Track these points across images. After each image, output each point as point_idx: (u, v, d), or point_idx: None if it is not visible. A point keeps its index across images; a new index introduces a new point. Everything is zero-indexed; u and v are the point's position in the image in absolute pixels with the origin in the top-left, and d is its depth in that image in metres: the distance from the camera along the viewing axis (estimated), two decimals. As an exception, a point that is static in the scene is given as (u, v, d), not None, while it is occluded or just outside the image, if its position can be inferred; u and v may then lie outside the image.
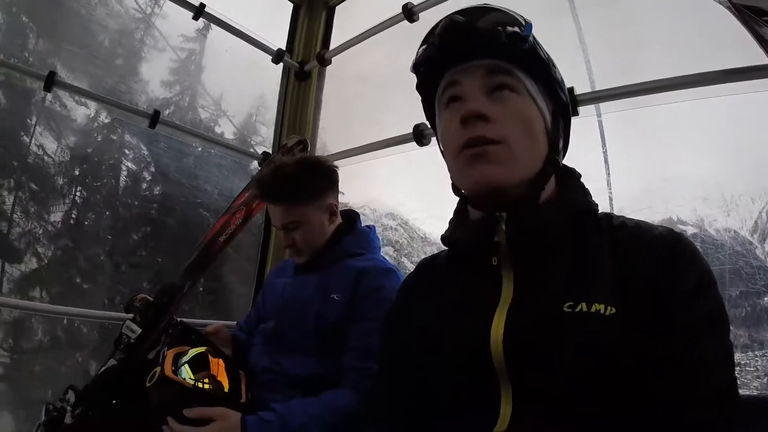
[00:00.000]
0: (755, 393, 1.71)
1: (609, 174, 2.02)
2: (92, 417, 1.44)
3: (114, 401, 1.50)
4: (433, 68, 0.94)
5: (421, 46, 0.95)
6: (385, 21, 2.49)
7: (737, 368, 0.77)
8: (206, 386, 1.36)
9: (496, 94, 0.87)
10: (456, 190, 1.00)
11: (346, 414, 1.34)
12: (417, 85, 1.01)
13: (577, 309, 0.77)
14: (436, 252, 1.15)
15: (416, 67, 0.97)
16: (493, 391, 0.80)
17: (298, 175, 1.64)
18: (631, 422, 0.73)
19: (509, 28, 0.86)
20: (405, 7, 2.34)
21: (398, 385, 0.99)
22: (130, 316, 1.67)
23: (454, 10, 0.92)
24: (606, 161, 2.03)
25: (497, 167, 0.85)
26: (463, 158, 0.88)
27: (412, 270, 1.17)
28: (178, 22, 2.64)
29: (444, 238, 1.01)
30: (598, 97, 1.83)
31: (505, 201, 0.87)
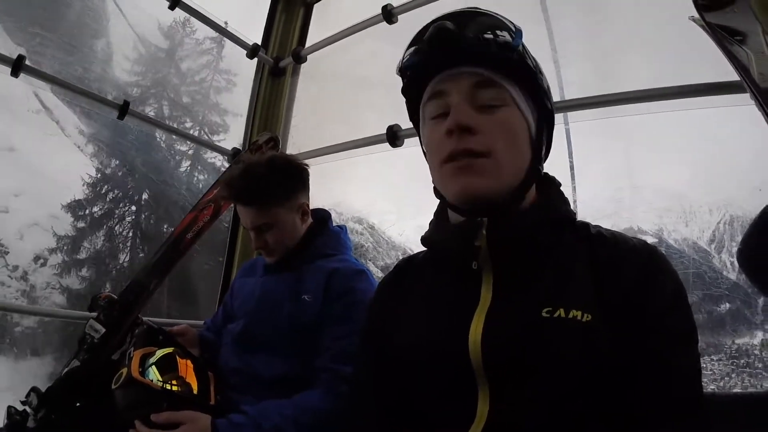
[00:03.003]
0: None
1: (574, 180, 2.07)
2: (55, 420, 1.40)
3: (78, 404, 1.46)
4: (420, 73, 0.95)
5: (407, 50, 0.95)
6: (363, 21, 2.48)
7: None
8: (174, 388, 1.34)
9: (483, 105, 0.88)
10: (437, 193, 1.00)
11: (320, 415, 1.34)
12: (403, 89, 1.01)
13: (555, 315, 0.79)
14: (401, 256, 1.16)
15: (403, 71, 0.97)
16: (470, 392, 0.82)
17: (269, 175, 1.61)
18: (607, 427, 0.76)
19: (500, 38, 0.86)
20: (384, 8, 2.33)
21: (376, 388, 0.99)
22: (94, 314, 1.63)
23: (437, 15, 0.92)
24: (572, 168, 2.08)
25: (481, 179, 0.86)
26: (449, 169, 0.89)
27: (381, 273, 1.17)
28: (153, 11, 2.57)
29: (424, 240, 1.02)
30: (567, 106, 1.88)
31: (488, 208, 0.88)
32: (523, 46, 0.90)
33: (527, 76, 0.91)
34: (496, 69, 0.88)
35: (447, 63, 0.90)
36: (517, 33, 0.88)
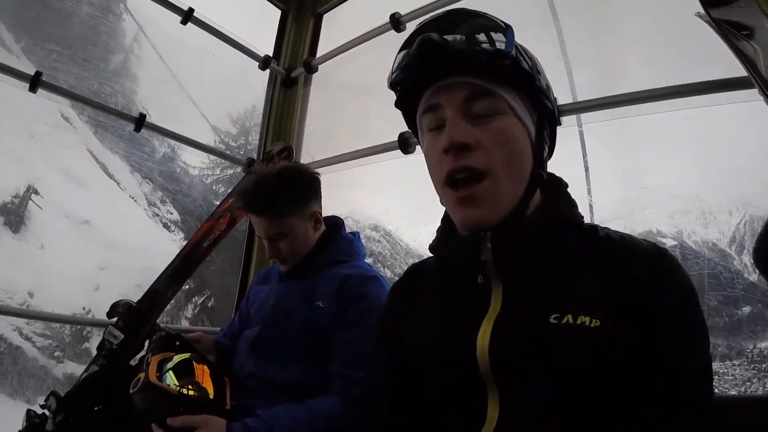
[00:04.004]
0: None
1: (589, 182, 2.05)
2: (74, 424, 1.43)
3: (96, 408, 1.49)
4: (411, 87, 0.94)
5: (395, 61, 0.93)
6: (372, 30, 2.51)
7: (716, 377, 0.80)
8: (191, 393, 1.36)
9: (478, 117, 0.87)
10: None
11: (332, 421, 1.35)
12: (396, 102, 1.00)
13: (563, 321, 0.79)
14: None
15: (393, 86, 0.96)
16: (480, 397, 0.82)
17: (281, 185, 1.63)
18: (615, 428, 0.75)
19: (490, 47, 0.84)
20: (392, 17, 2.36)
21: (388, 393, 0.99)
22: (113, 321, 1.66)
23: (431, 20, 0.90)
24: (586, 170, 2.07)
25: (484, 209, 0.86)
26: (451, 198, 0.89)
27: (398, 277, 1.17)
28: (166, 26, 2.62)
29: (432, 249, 1.02)
30: (579, 108, 1.87)
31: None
32: (517, 47, 0.88)
33: (523, 79, 0.90)
34: (489, 77, 0.86)
35: (437, 74, 0.89)
36: (509, 34, 0.85)
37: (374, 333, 1.12)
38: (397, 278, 1.17)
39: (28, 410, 1.47)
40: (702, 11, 1.28)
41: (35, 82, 2.02)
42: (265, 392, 1.51)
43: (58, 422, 1.42)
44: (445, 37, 0.85)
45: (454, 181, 0.87)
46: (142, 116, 2.38)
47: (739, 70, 1.26)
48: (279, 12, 3.01)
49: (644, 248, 0.86)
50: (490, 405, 0.81)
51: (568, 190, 0.99)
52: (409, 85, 0.94)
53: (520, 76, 0.89)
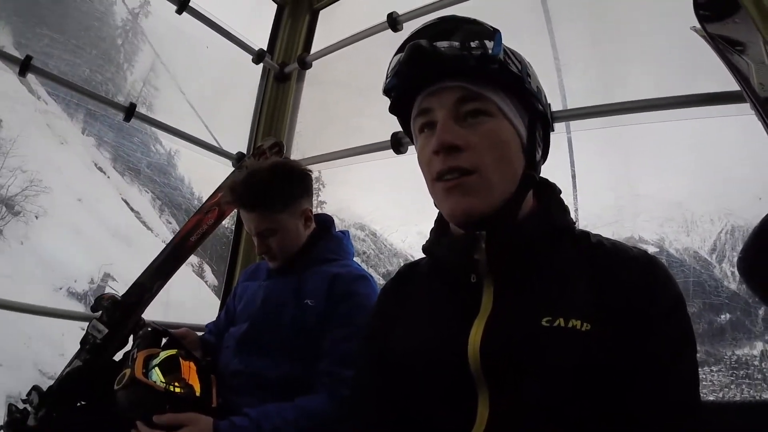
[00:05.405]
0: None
1: (576, 189, 2.07)
2: (56, 419, 1.41)
3: (78, 403, 1.47)
4: (403, 93, 0.96)
5: (389, 67, 0.95)
6: (368, 28, 2.49)
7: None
8: (177, 390, 1.34)
9: (468, 120, 0.88)
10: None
11: (320, 419, 1.35)
12: (390, 108, 1.02)
13: (555, 324, 0.80)
14: (403, 263, 1.17)
15: (387, 93, 0.98)
16: (470, 396, 0.83)
17: (273, 182, 1.62)
18: (606, 429, 0.77)
19: (478, 51, 0.86)
20: (390, 16, 2.35)
21: (377, 392, 0.99)
22: (97, 314, 1.63)
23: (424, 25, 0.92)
24: (573, 177, 2.08)
25: (472, 198, 0.87)
26: (440, 189, 0.90)
27: (382, 280, 1.17)
28: (161, 15, 2.58)
29: (425, 250, 1.03)
30: (569, 115, 1.88)
31: (484, 222, 0.89)
32: (506, 51, 0.90)
33: (513, 82, 0.91)
34: (479, 80, 0.88)
35: (428, 80, 0.91)
36: (497, 39, 0.87)
37: (362, 332, 1.13)
38: (381, 278, 1.18)
39: (10, 405, 1.44)
40: (698, 25, 1.30)
41: (25, 67, 1.99)
42: (251, 389, 1.50)
43: (39, 417, 1.40)
44: (435, 43, 0.87)
45: (444, 180, 0.89)
46: (133, 106, 2.35)
47: (733, 84, 1.28)
48: (275, 6, 2.98)
49: (635, 255, 0.88)
50: (481, 404, 0.82)
51: (561, 196, 1.01)
52: (402, 90, 0.96)
53: (509, 79, 0.90)
